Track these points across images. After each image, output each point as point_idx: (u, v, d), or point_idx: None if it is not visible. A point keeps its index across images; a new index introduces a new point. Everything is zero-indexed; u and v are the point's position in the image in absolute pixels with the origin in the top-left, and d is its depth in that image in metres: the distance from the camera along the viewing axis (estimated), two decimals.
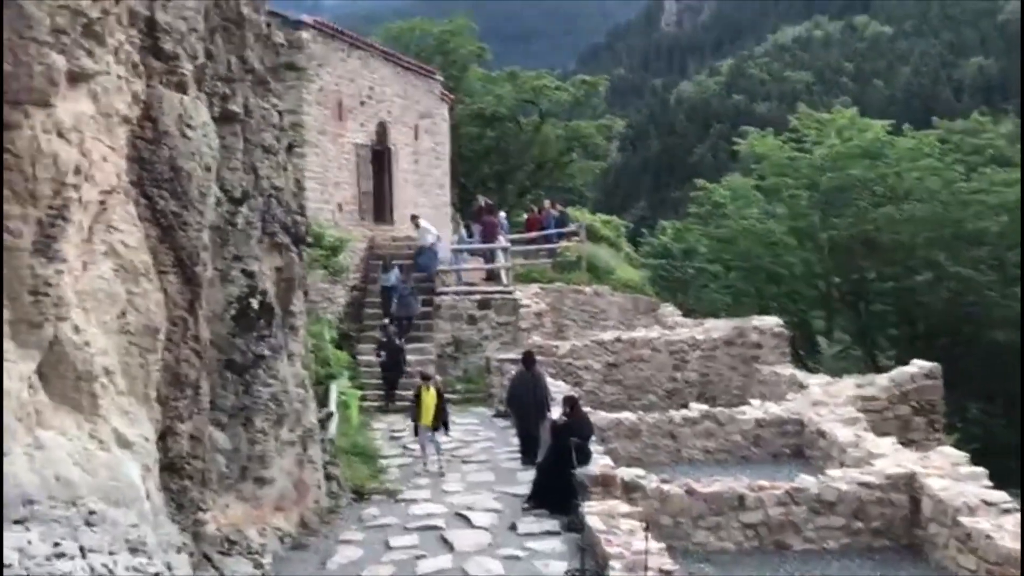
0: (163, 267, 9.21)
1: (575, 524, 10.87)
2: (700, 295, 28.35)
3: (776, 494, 12.19)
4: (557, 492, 11.74)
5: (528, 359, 14.78)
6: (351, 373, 20.29)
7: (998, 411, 21.45)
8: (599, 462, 12.76)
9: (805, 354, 24.93)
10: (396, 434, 16.88)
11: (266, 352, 10.56)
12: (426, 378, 14.31)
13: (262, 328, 10.57)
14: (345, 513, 12.02)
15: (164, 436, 9.07)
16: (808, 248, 24.47)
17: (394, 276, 21.71)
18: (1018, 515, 10.45)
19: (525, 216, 28.11)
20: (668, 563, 9.03)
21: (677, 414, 16.34)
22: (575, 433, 11.77)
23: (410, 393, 15.60)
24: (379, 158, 24.56)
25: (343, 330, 21.98)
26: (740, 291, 27.30)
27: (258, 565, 9.83)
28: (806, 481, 12.47)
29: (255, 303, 10.51)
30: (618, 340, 20.94)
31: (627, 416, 16.23)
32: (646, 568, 7.77)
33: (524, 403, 14.28)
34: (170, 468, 9.07)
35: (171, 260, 9.29)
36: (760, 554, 11.94)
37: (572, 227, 26.02)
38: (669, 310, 24.71)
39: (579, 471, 11.65)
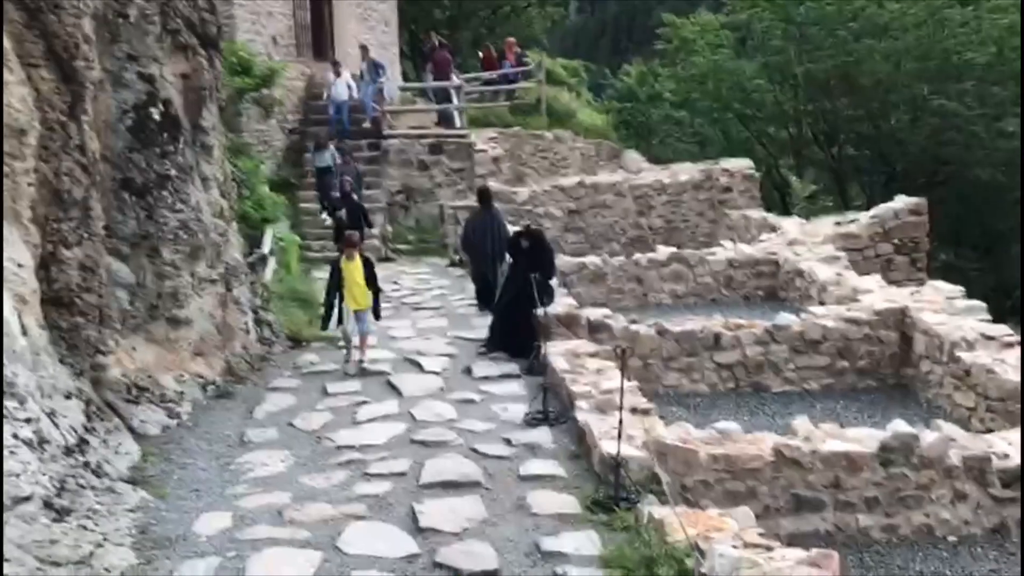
0: (31, 58, 7.51)
1: (536, 367, 9.73)
2: (665, 142, 26.82)
3: (754, 332, 11.16)
4: (516, 334, 10.56)
5: (484, 196, 13.32)
6: (292, 221, 18.77)
7: (974, 256, 20.69)
8: (562, 302, 11.58)
9: (776, 198, 23.74)
10: None
11: (172, 172, 8.96)
12: (351, 244, 10.12)
13: (165, 143, 8.93)
14: (279, 360, 10.72)
15: (46, 264, 7.60)
16: (781, 87, 22.90)
17: (329, 155, 18.29)
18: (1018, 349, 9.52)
19: (480, 55, 25.95)
20: (643, 401, 7.94)
21: (643, 256, 15.16)
22: (537, 267, 10.46)
23: None
24: None
25: (282, 176, 20.24)
26: (707, 136, 25.83)
27: (172, 414, 8.57)
28: (787, 319, 11.43)
29: (155, 113, 8.83)
30: (580, 185, 19.55)
31: (591, 259, 15.02)
32: (620, 407, 6.61)
33: (480, 245, 12.89)
34: (56, 302, 7.64)
35: (42, 50, 7.59)
36: (736, 396, 10.99)
37: (530, 67, 24.07)
38: (634, 156, 23.26)
39: (540, 311, 10.41)
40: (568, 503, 6.50)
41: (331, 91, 20.12)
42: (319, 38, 22.43)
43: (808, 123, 23.33)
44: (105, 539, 5.54)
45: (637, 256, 15.18)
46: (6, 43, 6.97)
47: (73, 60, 7.75)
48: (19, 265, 7.06)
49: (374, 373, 9.97)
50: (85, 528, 5.52)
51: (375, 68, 21.15)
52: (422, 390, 9.31)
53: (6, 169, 6.96)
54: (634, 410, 7.51)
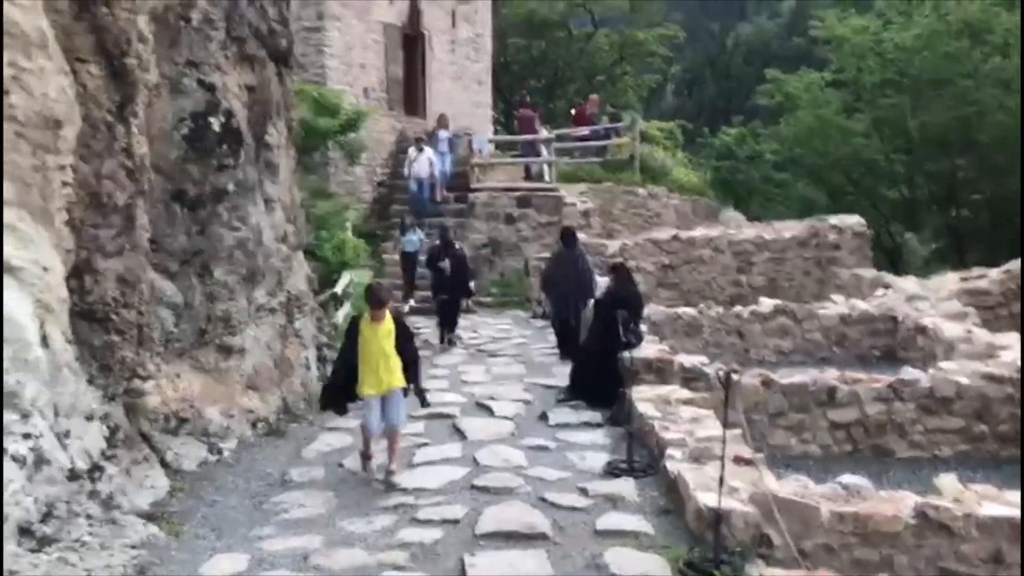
0: (79, 52, 6.97)
1: (621, 416, 8.55)
2: (766, 204, 25.44)
3: (876, 388, 9.69)
4: (599, 380, 9.41)
5: (568, 235, 12.32)
6: (375, 272, 18.19)
7: None
8: (653, 347, 10.38)
9: (887, 262, 21.94)
10: (417, 330, 14.65)
11: (230, 187, 8.29)
12: (379, 303, 7.06)
13: (224, 156, 8.30)
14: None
15: (79, 273, 6.90)
16: (893, 144, 21.35)
17: (416, 238, 16.71)
18: None
19: (572, 112, 25.31)
20: (748, 451, 6.66)
21: (745, 309, 13.82)
22: (622, 305, 9.35)
23: None
24: (411, 43, 22.05)
25: (368, 228, 19.80)
26: (810, 198, 24.33)
27: (214, 450, 7.72)
28: (913, 373, 9.93)
29: (215, 124, 8.22)
30: (675, 239, 18.36)
31: (686, 310, 13.77)
32: (723, 448, 5.40)
33: (562, 286, 11.86)
34: (89, 316, 6.92)
35: (90, 44, 7.05)
36: (853, 461, 9.47)
37: (624, 124, 23.25)
38: (732, 214, 22.01)
39: (627, 355, 9.26)
40: (654, 564, 5.27)
41: (412, 168, 19.02)
42: (411, 93, 22.24)
43: (923, 182, 21.62)
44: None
45: (738, 308, 13.86)
46: (44, 23, 6.43)
47: (124, 57, 7.19)
48: (44, 269, 6.37)
49: (440, 416, 8.96)
50: (65, 561, 4.62)
51: (449, 140, 20.36)
52: (490, 435, 8.23)
53: (36, 163, 6.35)
54: (738, 460, 6.26)
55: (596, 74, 38.47)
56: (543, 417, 8.96)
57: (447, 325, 13.38)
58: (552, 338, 12.80)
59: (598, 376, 9.48)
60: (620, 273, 10.04)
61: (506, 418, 8.85)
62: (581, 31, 38.74)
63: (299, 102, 15.11)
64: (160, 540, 5.59)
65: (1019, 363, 9.74)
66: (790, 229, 19.04)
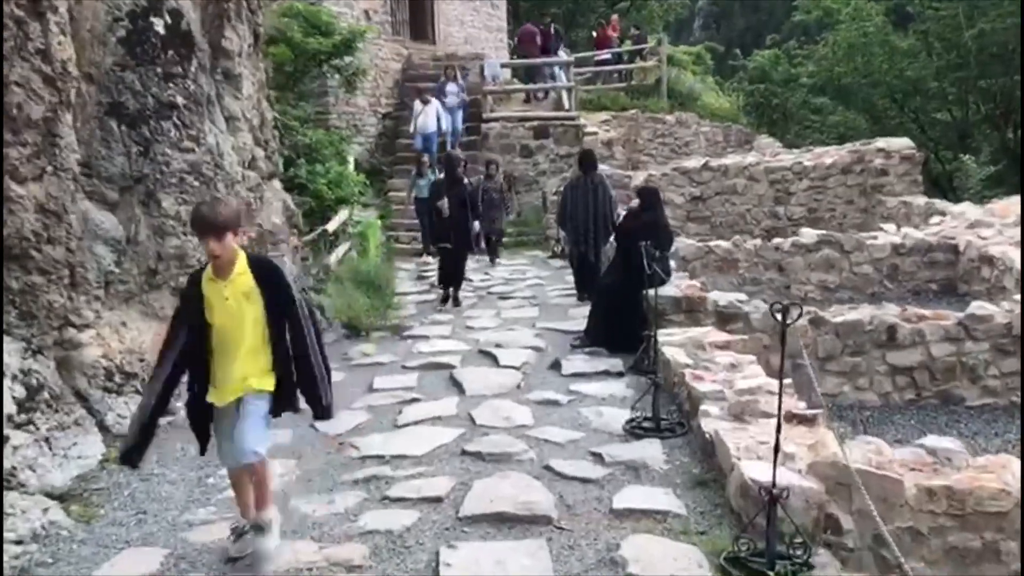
0: None
1: (645, 362, 7.31)
2: (802, 133, 23.71)
3: (943, 325, 8.34)
4: (621, 322, 8.15)
5: (586, 159, 10.93)
6: (382, 213, 16.94)
7: None
8: (682, 283, 9.07)
9: (940, 187, 20.27)
10: (427, 272, 13.45)
11: (178, 100, 7.00)
12: (212, 228, 3.92)
13: (172, 64, 7.00)
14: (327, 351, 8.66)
15: None
16: (945, 58, 19.49)
17: (427, 183, 14.14)
18: None
19: (594, 34, 23.60)
20: (802, 405, 5.37)
21: (785, 240, 12.41)
22: (647, 234, 8.04)
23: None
24: None
25: (373, 163, 18.49)
26: (852, 123, 22.55)
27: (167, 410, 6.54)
28: (987, 308, 8.55)
29: (158, 25, 6.91)
30: (706, 167, 16.86)
31: (719, 243, 12.38)
32: (779, 405, 4.15)
33: (580, 217, 10.54)
34: (4, 254, 5.73)
35: None
36: (918, 411, 8.22)
37: (650, 45, 21.58)
38: (767, 141, 20.34)
39: (652, 292, 7.99)
40: (687, 559, 4.04)
41: (417, 123, 17.06)
42: (418, 16, 20.68)
43: (977, 101, 19.80)
44: None
45: (778, 240, 12.45)
46: None
47: None
48: None
49: (436, 366, 7.76)
50: None
51: (461, 98, 18.08)
52: (492, 388, 7.02)
53: None
54: (791, 417, 4.99)
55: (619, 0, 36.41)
56: (555, 366, 7.73)
57: (448, 282, 10.83)
58: (570, 278, 11.53)
59: (619, 317, 8.23)
60: (647, 197, 8.68)
61: (512, 368, 7.62)
62: None
63: (286, 22, 13.72)
64: (63, 529, 4.46)
65: None
66: (831, 155, 17.45)
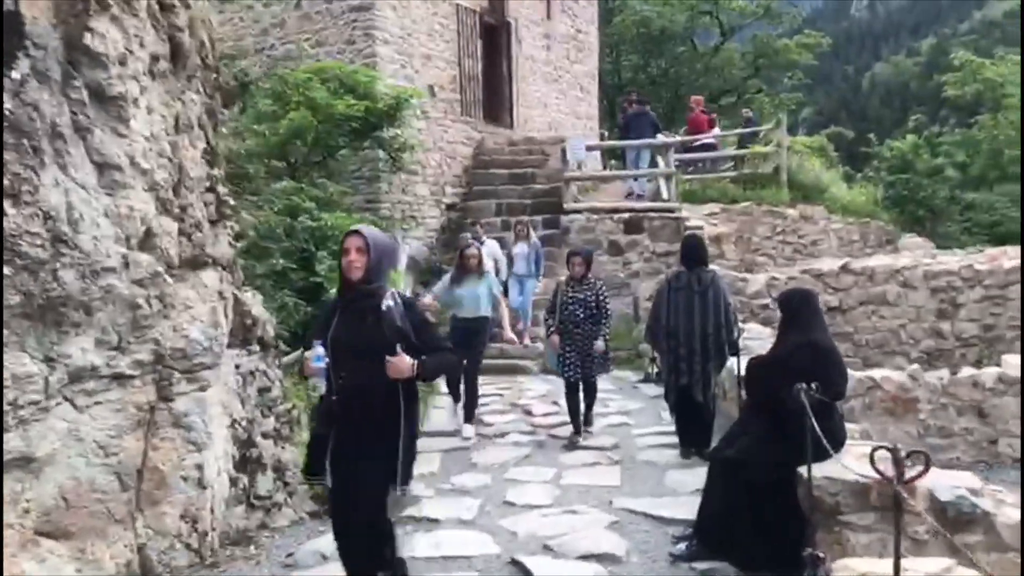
0: None
1: None
2: (946, 231, 19.71)
3: None
4: (762, 519, 4.60)
5: (692, 251, 7.50)
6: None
7: None
8: (858, 448, 5.37)
9: None
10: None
11: None
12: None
13: None
14: (271, 545, 5.34)
15: None
16: None
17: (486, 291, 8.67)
18: None
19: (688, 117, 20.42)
20: None
21: (988, 372, 8.56)
22: (806, 371, 4.52)
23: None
24: (492, 33, 17.87)
25: (433, 263, 15.52)
26: (1012, 227, 18.51)
27: None
28: None
29: None
30: (845, 270, 13.19)
31: (887, 374, 8.62)
32: None
33: (683, 332, 7.10)
34: None
35: None
36: None
37: (768, 127, 18.24)
38: (915, 241, 16.54)
39: (817, 472, 4.49)
40: None
41: None
42: (494, 96, 17.98)
43: None
44: None
45: (973, 372, 8.62)
46: None
47: None
48: None
49: None
50: None
51: (536, 257, 13.78)
52: None
53: None
54: None
55: (725, 92, 33.49)
56: None
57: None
58: (667, 415, 7.99)
59: (758, 510, 4.67)
60: (795, 306, 5.12)
61: None
62: (706, 45, 33.99)
63: (306, 78, 10.99)
64: None
65: None
66: (1010, 257, 13.55)
